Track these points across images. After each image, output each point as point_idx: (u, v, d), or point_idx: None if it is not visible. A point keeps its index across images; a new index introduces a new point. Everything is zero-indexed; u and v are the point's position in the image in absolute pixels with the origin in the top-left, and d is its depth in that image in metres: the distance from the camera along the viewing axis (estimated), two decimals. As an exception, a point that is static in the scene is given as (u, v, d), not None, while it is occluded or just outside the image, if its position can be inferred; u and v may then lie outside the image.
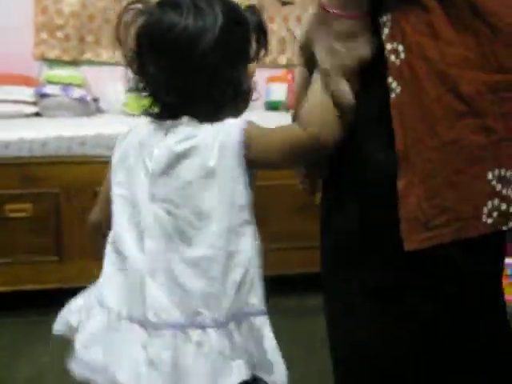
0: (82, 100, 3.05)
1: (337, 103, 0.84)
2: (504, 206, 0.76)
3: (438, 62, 0.74)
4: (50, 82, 3.07)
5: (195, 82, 1.03)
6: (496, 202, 0.76)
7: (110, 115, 3.12)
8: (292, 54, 3.44)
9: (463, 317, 0.84)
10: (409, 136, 0.76)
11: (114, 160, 1.13)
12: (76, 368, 1.05)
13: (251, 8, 1.10)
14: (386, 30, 0.76)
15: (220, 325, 1.00)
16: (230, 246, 1.01)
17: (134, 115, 3.00)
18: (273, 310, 1.03)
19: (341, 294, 0.91)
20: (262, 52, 1.10)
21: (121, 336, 1.02)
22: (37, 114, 2.98)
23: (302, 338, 2.35)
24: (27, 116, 2.94)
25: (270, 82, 3.36)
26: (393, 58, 0.76)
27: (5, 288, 2.45)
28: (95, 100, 3.19)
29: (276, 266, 2.58)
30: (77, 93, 3.05)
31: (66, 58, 3.29)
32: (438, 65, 0.74)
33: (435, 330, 0.83)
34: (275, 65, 3.47)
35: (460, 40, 0.74)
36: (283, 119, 1.12)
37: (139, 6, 1.05)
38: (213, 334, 1.00)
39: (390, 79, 0.76)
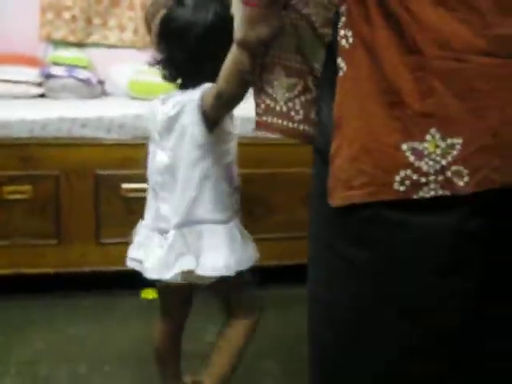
0: (87, 82, 2.97)
1: (236, 68, 1.21)
2: (415, 177, 0.80)
3: (371, 44, 0.83)
4: (56, 64, 2.98)
5: (187, 59, 1.48)
6: (408, 172, 0.80)
7: (115, 98, 3.04)
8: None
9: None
10: (344, 106, 0.87)
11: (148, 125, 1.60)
12: (130, 263, 1.62)
13: None
14: (342, 19, 0.87)
15: (176, 228, 1.48)
16: (188, 174, 1.47)
17: (138, 98, 2.91)
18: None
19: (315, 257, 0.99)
20: None
21: (151, 242, 1.55)
22: (42, 96, 2.90)
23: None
24: (32, 97, 2.85)
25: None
26: (343, 42, 0.86)
27: (2, 271, 2.36)
28: (101, 82, 3.11)
29: (280, 256, 2.50)
30: (82, 75, 2.96)
31: (72, 39, 3.21)
32: (371, 48, 0.83)
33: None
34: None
35: (386, 24, 0.82)
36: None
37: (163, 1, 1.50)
38: (171, 235, 1.49)
39: (339, 60, 0.87)
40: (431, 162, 0.79)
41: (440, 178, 0.80)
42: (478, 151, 0.78)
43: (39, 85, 2.90)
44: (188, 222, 1.48)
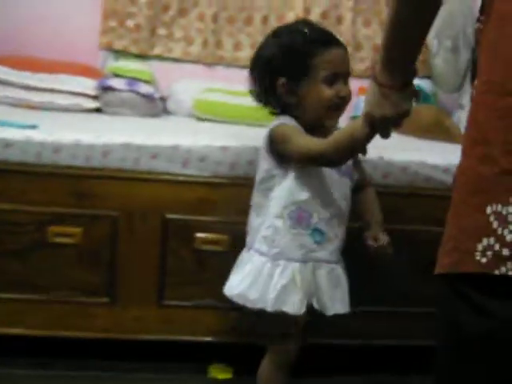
0: (148, 98, 2.40)
1: (351, 136, 1.16)
2: (497, 247, 0.67)
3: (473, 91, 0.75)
4: (115, 75, 2.44)
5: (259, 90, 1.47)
6: (492, 240, 0.69)
7: (178, 117, 2.47)
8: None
9: None
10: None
11: None
12: None
13: None
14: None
15: None
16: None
17: (203, 119, 2.35)
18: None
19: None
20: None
21: None
22: (97, 110, 2.33)
23: None
24: (86, 111, 2.29)
25: (361, 95, 2.58)
26: None
27: (38, 332, 1.73)
28: (162, 99, 2.54)
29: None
30: (144, 89, 2.40)
31: (134, 50, 2.69)
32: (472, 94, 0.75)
33: None
34: (368, 75, 2.71)
35: (486, 65, 0.71)
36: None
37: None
38: None
39: None
40: None
41: None
42: None
43: (95, 98, 2.34)
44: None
